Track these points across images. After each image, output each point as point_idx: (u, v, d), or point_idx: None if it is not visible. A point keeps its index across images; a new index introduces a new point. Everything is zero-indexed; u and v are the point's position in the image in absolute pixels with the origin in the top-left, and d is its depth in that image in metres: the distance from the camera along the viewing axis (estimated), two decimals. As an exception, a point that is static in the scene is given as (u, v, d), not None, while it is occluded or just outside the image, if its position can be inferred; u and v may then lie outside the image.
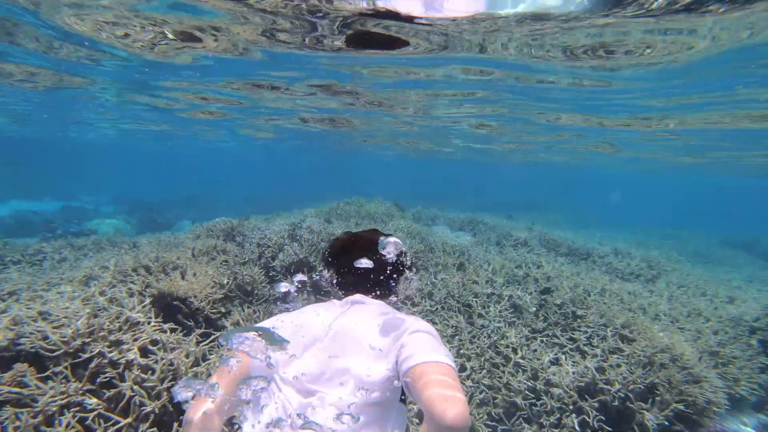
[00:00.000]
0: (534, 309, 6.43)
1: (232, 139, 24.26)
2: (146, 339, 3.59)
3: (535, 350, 5.67)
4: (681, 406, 4.39)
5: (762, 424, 5.44)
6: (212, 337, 4.37)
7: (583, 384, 4.77)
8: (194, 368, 3.72)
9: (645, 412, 4.34)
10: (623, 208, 46.53)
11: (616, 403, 4.46)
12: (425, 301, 6.54)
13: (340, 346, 1.77)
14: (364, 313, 1.91)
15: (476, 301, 6.63)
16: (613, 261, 10.09)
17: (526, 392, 4.96)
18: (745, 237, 21.29)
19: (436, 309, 6.39)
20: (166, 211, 23.57)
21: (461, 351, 5.62)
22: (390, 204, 15.03)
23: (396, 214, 13.48)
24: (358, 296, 2.04)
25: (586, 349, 5.63)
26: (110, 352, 3.32)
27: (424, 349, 1.67)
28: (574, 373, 4.86)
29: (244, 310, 5.25)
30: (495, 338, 5.84)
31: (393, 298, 2.17)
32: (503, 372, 5.28)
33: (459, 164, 39.34)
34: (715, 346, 5.98)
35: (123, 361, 3.30)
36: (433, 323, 5.99)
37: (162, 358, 3.42)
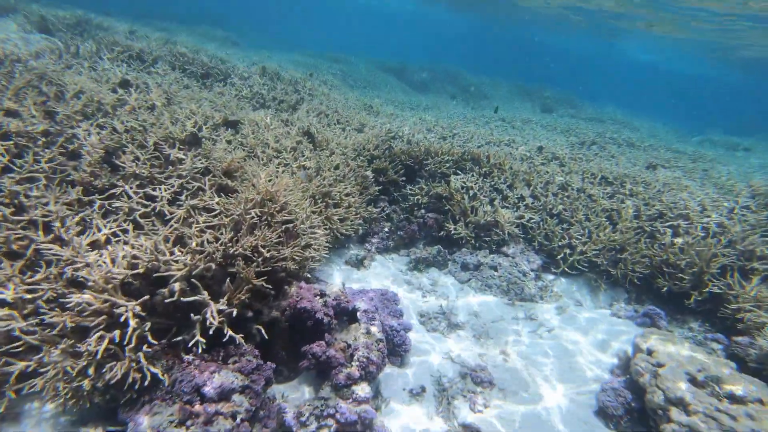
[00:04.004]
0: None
1: None
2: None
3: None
4: (261, 283, 3.49)
5: (358, 258, 5.56)
6: None
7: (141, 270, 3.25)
8: None
9: (211, 303, 3.22)
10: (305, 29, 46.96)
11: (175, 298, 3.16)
12: None
13: None
14: None
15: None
16: (255, 84, 8.70)
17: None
18: (398, 63, 24.34)
19: None
20: None
21: None
22: None
23: None
24: None
25: (165, 210, 4.09)
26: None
27: None
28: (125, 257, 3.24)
29: None
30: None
31: None
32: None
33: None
34: (329, 184, 5.52)
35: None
36: None
37: None
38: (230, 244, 3.76)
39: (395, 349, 4.27)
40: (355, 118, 8.08)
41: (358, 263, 5.56)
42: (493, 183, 6.64)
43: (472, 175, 6.67)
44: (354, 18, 75.49)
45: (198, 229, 3.89)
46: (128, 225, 4.01)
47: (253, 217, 4.01)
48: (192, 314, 3.19)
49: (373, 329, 3.96)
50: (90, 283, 3.04)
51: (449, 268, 5.94)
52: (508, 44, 63.88)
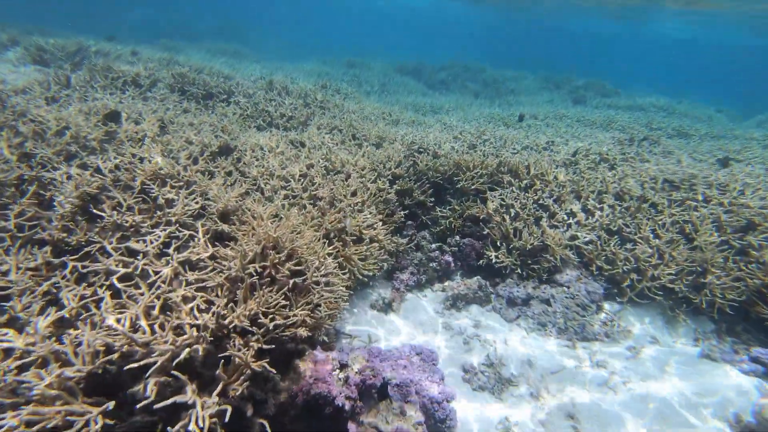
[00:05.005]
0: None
1: None
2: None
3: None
4: (262, 366, 2.77)
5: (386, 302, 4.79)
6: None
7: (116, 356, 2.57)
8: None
9: (197, 402, 2.52)
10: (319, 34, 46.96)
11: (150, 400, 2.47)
12: None
13: None
14: None
15: None
16: (262, 101, 8.08)
17: None
18: (415, 63, 23.57)
19: None
20: None
21: None
22: None
23: None
24: None
25: (149, 269, 3.43)
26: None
27: None
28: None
29: None
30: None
31: None
32: None
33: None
34: (345, 218, 4.78)
35: None
36: None
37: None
38: (225, 312, 3.07)
39: (437, 426, 3.49)
40: (373, 131, 7.34)
41: (386, 307, 4.80)
42: (536, 198, 5.78)
43: (512, 191, 5.82)
44: (369, 18, 75.12)
45: (186, 292, 3.22)
46: (104, 291, 3.37)
47: (252, 274, 3.31)
48: (169, 428, 2.48)
49: (409, 409, 3.19)
50: (35, 392, 2.39)
51: (493, 304, 5.11)
52: (531, 34, 62.18)
